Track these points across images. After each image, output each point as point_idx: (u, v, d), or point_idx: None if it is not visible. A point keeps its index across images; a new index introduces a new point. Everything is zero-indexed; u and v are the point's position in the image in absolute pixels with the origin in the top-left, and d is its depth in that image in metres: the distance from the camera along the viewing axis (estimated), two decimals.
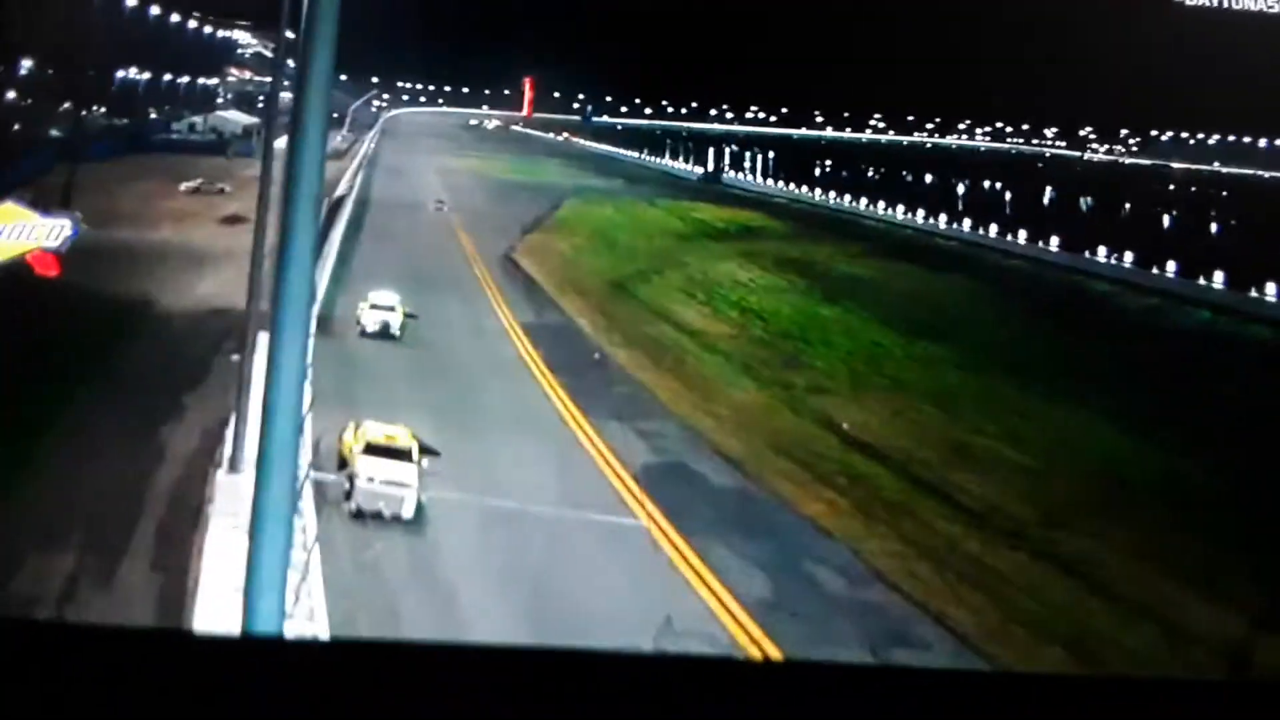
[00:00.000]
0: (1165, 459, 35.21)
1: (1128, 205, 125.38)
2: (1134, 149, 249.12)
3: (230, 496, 22.16)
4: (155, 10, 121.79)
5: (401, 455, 27.16)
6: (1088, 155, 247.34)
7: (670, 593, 24.05)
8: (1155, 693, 3.37)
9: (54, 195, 59.49)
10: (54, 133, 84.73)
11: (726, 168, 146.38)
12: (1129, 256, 72.73)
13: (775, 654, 21.83)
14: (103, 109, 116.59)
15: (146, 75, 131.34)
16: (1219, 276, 66.11)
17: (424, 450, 27.82)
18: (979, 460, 34.34)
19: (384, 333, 41.48)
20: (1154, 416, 38.91)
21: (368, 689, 2.83)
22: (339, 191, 72.07)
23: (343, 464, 27.70)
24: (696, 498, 29.86)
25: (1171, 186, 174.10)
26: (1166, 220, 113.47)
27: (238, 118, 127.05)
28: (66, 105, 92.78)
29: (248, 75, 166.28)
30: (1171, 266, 69.51)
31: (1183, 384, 43.01)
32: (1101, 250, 74.92)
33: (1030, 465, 34.28)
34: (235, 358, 28.42)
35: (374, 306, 42.53)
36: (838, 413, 38.24)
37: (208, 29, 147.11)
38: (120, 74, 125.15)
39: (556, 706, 2.93)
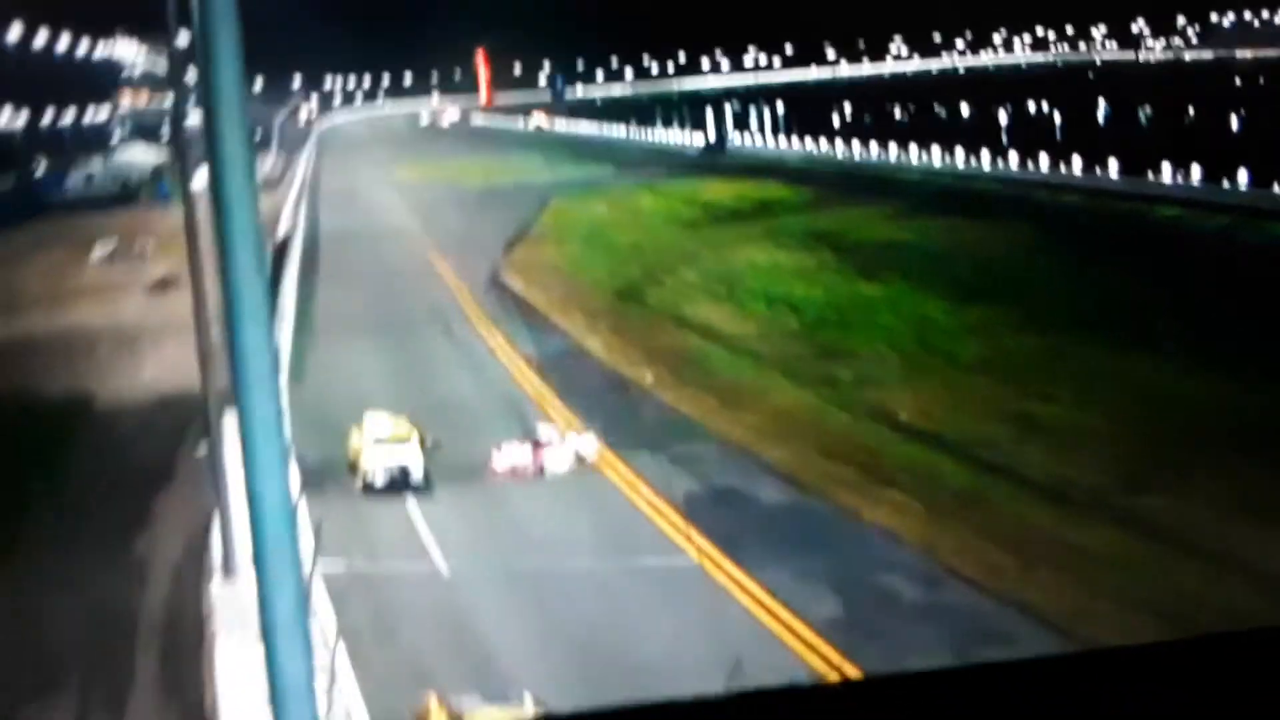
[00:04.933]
0: (1251, 395, 37.60)
1: (1191, 110, 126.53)
2: (1194, 41, 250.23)
3: (232, 606, 23.49)
4: (14, 35, 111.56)
5: None
6: (1143, 55, 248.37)
7: (736, 631, 26.09)
8: (1246, 645, 3.79)
9: None
10: None
11: (731, 132, 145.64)
12: (1196, 172, 74.55)
13: (855, 675, 23.86)
14: None
15: (23, 119, 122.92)
16: None
17: None
18: (1049, 431, 36.73)
19: (402, 482, 34.27)
20: (1235, 351, 41.40)
21: None
22: (281, 232, 71.61)
23: None
24: (749, 522, 32.10)
25: (1238, 81, 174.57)
26: (1235, 122, 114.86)
27: (143, 156, 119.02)
28: None
29: (145, 98, 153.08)
30: (1244, 176, 71.07)
31: (1264, 309, 45.32)
32: (1166, 168, 76.79)
33: (1105, 428, 36.67)
34: (203, 448, 29.29)
35: (379, 441, 35.17)
36: (891, 402, 40.50)
37: (83, 47, 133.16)
38: None
39: None
